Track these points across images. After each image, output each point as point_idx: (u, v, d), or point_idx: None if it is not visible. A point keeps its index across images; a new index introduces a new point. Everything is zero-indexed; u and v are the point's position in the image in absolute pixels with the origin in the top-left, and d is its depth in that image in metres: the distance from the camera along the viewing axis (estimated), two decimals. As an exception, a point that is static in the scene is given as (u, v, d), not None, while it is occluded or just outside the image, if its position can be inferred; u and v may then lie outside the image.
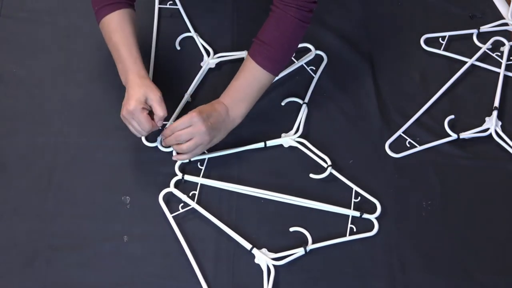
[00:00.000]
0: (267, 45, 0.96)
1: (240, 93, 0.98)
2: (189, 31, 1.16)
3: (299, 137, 1.05)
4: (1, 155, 1.02)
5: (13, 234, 0.95)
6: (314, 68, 1.13)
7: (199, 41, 1.15)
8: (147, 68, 1.09)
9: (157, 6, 1.19)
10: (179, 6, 1.19)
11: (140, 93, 0.92)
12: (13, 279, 0.91)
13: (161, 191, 0.98)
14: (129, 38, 0.99)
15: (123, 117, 0.94)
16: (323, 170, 1.02)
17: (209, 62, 1.12)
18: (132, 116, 0.93)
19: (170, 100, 1.06)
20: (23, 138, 1.03)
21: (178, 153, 0.99)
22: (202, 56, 1.13)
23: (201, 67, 1.12)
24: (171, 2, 1.20)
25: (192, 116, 0.93)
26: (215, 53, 1.14)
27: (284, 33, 0.96)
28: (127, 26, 0.99)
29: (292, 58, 1.14)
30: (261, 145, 1.04)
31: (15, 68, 1.11)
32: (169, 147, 1.01)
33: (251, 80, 0.98)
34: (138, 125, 0.93)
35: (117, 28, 0.99)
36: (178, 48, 1.15)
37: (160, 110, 0.93)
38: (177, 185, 1.00)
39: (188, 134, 0.94)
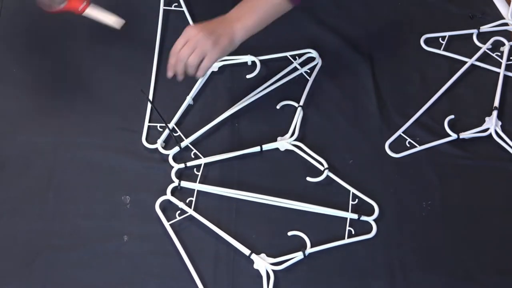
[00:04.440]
0: None
1: (248, 6, 0.93)
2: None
3: (295, 140, 1.05)
4: (1, 155, 1.02)
5: (13, 234, 0.95)
6: (309, 71, 1.13)
7: None
8: (150, 69, 1.10)
9: (162, 8, 1.19)
10: (184, 8, 1.18)
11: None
12: (13, 279, 0.91)
13: (161, 190, 0.98)
14: None
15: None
16: (321, 172, 1.01)
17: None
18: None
19: (172, 102, 1.06)
20: (23, 138, 1.03)
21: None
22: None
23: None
24: (176, 4, 1.20)
25: (185, 30, 0.90)
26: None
27: None
28: None
29: (289, 58, 1.14)
30: (257, 149, 1.03)
31: (15, 68, 1.11)
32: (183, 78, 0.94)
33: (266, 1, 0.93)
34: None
35: None
36: (182, 50, 1.15)
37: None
38: (174, 191, 1.00)
39: (189, 48, 0.88)
